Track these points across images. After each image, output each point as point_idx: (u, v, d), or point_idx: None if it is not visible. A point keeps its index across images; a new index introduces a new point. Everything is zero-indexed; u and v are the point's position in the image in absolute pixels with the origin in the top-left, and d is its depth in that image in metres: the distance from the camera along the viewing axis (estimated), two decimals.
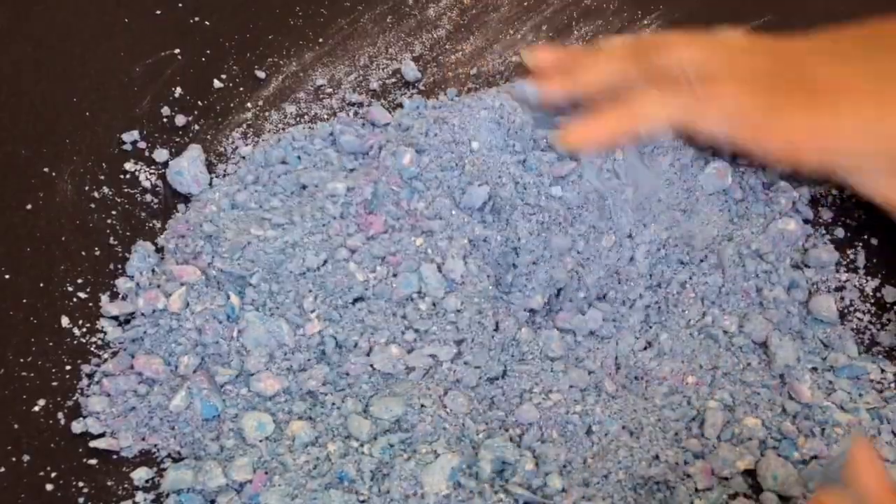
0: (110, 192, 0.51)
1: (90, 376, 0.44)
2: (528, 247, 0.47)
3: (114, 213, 0.50)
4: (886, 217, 0.40)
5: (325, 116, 0.54)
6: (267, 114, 0.54)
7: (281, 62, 0.56)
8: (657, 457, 0.42)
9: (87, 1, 0.58)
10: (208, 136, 0.53)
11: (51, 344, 0.45)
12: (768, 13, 0.58)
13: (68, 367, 0.45)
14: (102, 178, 0.51)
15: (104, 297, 0.47)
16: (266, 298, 0.45)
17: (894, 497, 0.34)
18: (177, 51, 0.56)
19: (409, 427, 0.41)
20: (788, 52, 0.41)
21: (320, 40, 0.57)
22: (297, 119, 0.54)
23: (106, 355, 0.45)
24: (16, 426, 0.43)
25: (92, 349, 0.45)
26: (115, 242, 0.49)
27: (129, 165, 0.52)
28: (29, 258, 0.48)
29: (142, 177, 0.51)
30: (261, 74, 0.56)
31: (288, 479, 0.40)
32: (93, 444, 0.42)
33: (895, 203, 0.40)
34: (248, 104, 0.54)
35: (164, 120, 0.53)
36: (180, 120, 0.53)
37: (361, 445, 0.41)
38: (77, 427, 0.43)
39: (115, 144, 0.52)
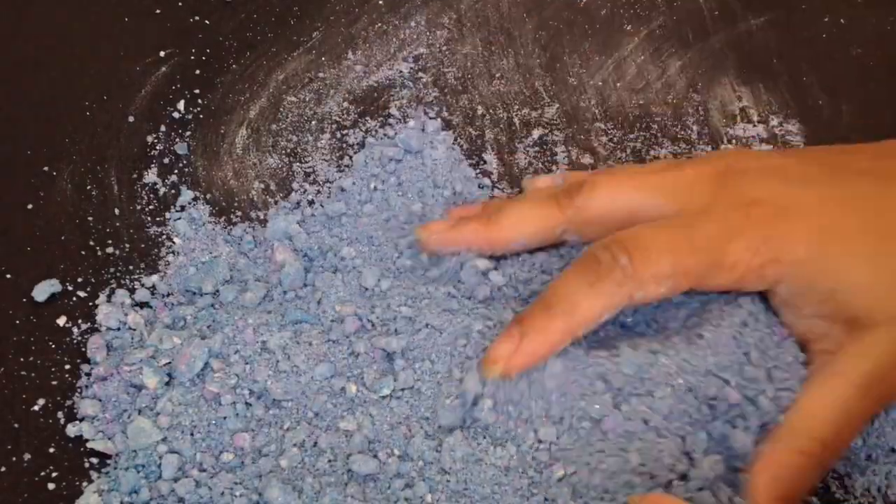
0: (110, 193, 0.51)
1: (88, 375, 0.44)
2: None
3: (114, 212, 0.50)
4: None
5: (326, 116, 0.54)
6: (268, 113, 0.54)
7: (281, 61, 0.56)
8: None
9: (87, 1, 0.58)
10: (209, 136, 0.53)
11: (51, 344, 0.45)
12: (768, 12, 0.58)
13: (68, 367, 0.45)
14: (102, 177, 0.51)
15: (101, 304, 0.47)
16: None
17: None
18: (177, 50, 0.56)
19: None
20: (734, 173, 0.41)
21: (320, 39, 0.57)
22: (299, 117, 0.54)
23: (99, 357, 0.45)
24: (16, 426, 0.43)
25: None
26: (116, 242, 0.49)
27: (129, 165, 0.52)
28: (29, 258, 0.48)
29: (143, 175, 0.51)
30: (261, 73, 0.55)
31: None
32: (90, 445, 0.42)
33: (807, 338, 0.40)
34: (250, 104, 0.54)
35: (164, 119, 0.53)
36: (180, 118, 0.53)
37: None
38: (72, 430, 0.43)
39: (116, 144, 0.52)
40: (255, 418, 0.42)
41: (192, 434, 0.42)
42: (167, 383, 0.43)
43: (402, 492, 0.40)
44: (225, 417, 0.42)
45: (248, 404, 0.42)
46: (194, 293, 0.47)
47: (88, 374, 0.44)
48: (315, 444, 0.41)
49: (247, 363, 0.43)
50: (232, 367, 0.43)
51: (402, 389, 0.42)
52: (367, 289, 0.45)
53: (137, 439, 0.41)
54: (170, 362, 0.43)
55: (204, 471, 0.41)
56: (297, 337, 0.44)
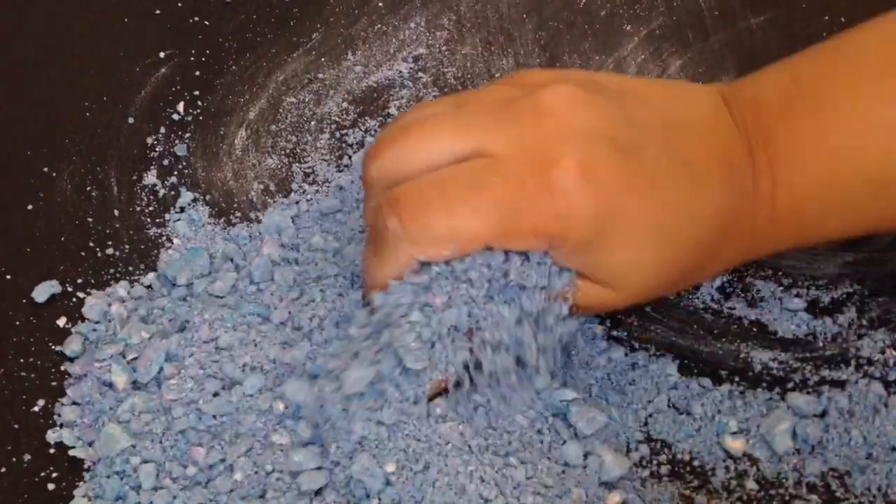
0: (110, 194, 0.51)
1: (69, 374, 0.44)
2: None
3: (114, 214, 0.50)
4: None
5: (325, 116, 0.54)
6: (268, 114, 0.54)
7: (281, 62, 0.56)
8: None
9: (88, 1, 0.58)
10: (208, 137, 0.53)
11: (51, 345, 0.45)
12: (768, 11, 0.58)
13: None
14: (102, 177, 0.51)
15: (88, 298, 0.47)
16: None
17: None
18: (176, 51, 0.56)
19: None
20: (550, 117, 0.37)
21: (319, 40, 0.57)
22: (298, 118, 0.54)
23: (68, 351, 0.45)
24: (16, 426, 0.43)
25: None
26: (115, 243, 0.49)
27: (129, 165, 0.52)
28: (29, 258, 0.48)
29: (142, 176, 0.51)
30: (261, 75, 0.55)
31: None
32: (72, 453, 0.42)
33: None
34: (249, 105, 0.54)
35: (164, 121, 0.53)
36: (180, 119, 0.53)
37: None
38: (52, 436, 0.42)
39: (115, 145, 0.52)
40: (208, 432, 0.42)
41: (160, 442, 0.41)
42: (134, 382, 0.43)
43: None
44: (182, 430, 0.42)
45: (199, 417, 0.42)
46: (173, 284, 0.47)
47: (69, 374, 0.44)
48: (255, 462, 0.40)
49: (201, 367, 0.43)
50: (187, 370, 0.43)
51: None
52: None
53: (108, 445, 0.41)
54: (137, 357, 0.43)
55: (175, 480, 0.40)
56: (248, 334, 0.44)
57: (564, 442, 0.41)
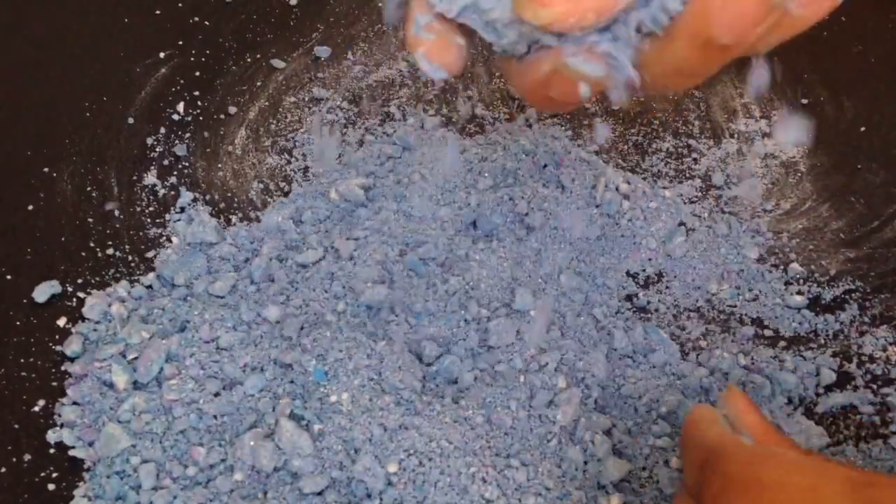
0: (110, 194, 0.51)
1: (70, 374, 0.44)
2: None
3: (114, 214, 0.50)
4: None
5: (325, 115, 0.54)
6: (268, 114, 0.54)
7: (281, 62, 0.56)
8: None
9: (88, 1, 0.58)
10: (208, 137, 0.53)
11: (51, 345, 0.45)
12: None
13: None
14: (102, 178, 0.51)
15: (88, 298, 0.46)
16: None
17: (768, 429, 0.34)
18: (176, 51, 0.56)
19: None
20: None
21: (319, 40, 0.57)
22: (298, 117, 0.54)
23: (69, 351, 0.45)
24: (16, 426, 0.43)
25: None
26: (116, 244, 0.49)
27: (129, 165, 0.52)
28: (29, 258, 0.48)
29: (142, 176, 0.51)
30: (261, 74, 0.55)
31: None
32: (72, 453, 0.42)
33: None
34: (249, 104, 0.54)
35: (164, 121, 0.53)
36: (180, 120, 0.53)
37: None
38: (52, 436, 0.42)
39: (115, 146, 0.52)
40: (208, 431, 0.42)
41: (161, 442, 0.41)
42: (134, 382, 0.43)
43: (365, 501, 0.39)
44: (183, 430, 0.42)
45: (199, 417, 0.42)
46: (173, 284, 0.47)
47: (70, 374, 0.44)
48: (255, 462, 0.40)
49: (201, 367, 0.43)
50: (188, 370, 0.43)
51: (333, 413, 0.41)
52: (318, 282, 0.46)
53: (108, 445, 0.41)
54: (137, 357, 0.43)
55: (175, 480, 0.40)
56: (248, 334, 0.44)
57: (565, 445, 0.41)
